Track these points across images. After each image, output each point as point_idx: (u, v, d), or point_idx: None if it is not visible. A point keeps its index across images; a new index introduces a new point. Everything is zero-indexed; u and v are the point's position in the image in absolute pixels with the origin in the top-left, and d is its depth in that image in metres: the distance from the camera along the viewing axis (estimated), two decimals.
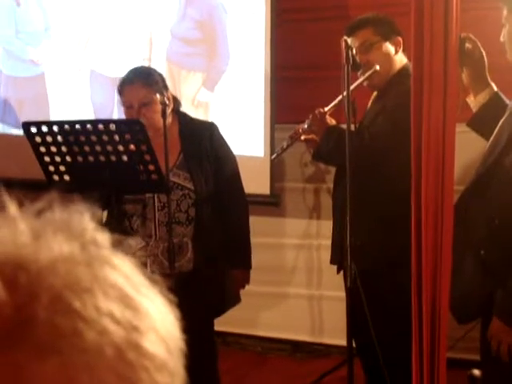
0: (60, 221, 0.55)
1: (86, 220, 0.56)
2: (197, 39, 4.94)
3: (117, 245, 0.57)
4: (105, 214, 3.49)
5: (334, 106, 3.47)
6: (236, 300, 3.57)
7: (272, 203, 4.59)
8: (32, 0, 5.38)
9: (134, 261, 0.56)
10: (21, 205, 0.55)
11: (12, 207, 0.55)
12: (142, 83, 3.37)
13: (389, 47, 3.49)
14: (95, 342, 0.50)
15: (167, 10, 4.99)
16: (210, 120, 3.98)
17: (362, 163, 3.27)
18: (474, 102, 2.91)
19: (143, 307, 0.54)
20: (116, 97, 4.04)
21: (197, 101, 4.73)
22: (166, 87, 3.45)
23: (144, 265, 2.25)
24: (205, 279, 3.41)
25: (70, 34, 5.24)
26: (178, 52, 4.95)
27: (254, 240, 3.63)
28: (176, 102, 3.52)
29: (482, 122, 2.91)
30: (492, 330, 2.65)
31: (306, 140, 3.56)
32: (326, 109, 3.47)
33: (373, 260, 3.37)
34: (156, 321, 0.55)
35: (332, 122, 3.50)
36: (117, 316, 0.52)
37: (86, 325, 0.50)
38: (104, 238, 0.56)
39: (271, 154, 4.40)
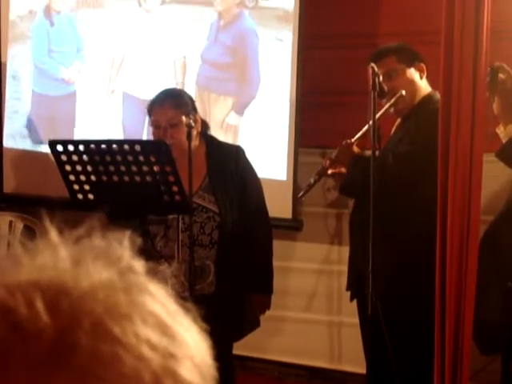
0: (98, 248, 0.56)
1: (123, 247, 0.57)
2: (227, 64, 4.97)
3: (151, 272, 0.57)
4: (128, 233, 3.49)
5: (362, 135, 3.47)
6: (255, 324, 3.56)
7: (294, 227, 4.58)
8: (65, 20, 5.44)
9: (167, 289, 0.56)
10: (61, 230, 0.56)
11: (53, 233, 0.56)
12: (171, 104, 3.40)
13: (413, 73, 3.50)
14: (134, 367, 0.50)
15: (199, 35, 5.03)
16: (237, 143, 3.99)
17: (385, 187, 3.25)
18: (503, 132, 2.91)
19: (179, 335, 0.55)
20: (147, 119, 4.08)
21: (226, 124, 4.76)
22: (195, 109, 3.48)
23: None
24: (226, 302, 3.40)
25: (102, 55, 5.28)
26: (208, 76, 4.98)
27: (275, 264, 3.62)
28: (204, 124, 3.54)
29: (510, 153, 2.89)
30: None
31: (332, 174, 3.56)
32: (354, 139, 3.48)
33: (394, 287, 3.34)
34: (191, 348, 0.55)
35: (358, 151, 3.50)
36: (154, 343, 0.52)
37: (126, 351, 0.50)
38: (140, 265, 0.57)
39: (294, 178, 4.40)
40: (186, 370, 0.53)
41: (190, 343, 0.55)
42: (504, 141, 2.91)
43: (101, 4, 5.31)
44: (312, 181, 3.61)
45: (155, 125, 3.44)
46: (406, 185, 3.32)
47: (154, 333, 0.52)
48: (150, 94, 3.69)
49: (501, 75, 2.79)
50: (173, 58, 5.03)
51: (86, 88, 5.32)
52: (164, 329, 0.53)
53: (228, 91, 4.93)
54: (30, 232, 4.79)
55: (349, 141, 3.49)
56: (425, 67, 3.50)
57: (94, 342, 0.50)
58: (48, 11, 5.45)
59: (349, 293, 3.68)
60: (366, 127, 3.41)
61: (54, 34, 5.46)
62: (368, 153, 3.30)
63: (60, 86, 5.38)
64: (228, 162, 3.47)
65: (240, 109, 4.83)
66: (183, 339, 0.55)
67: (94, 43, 5.30)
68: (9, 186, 5.21)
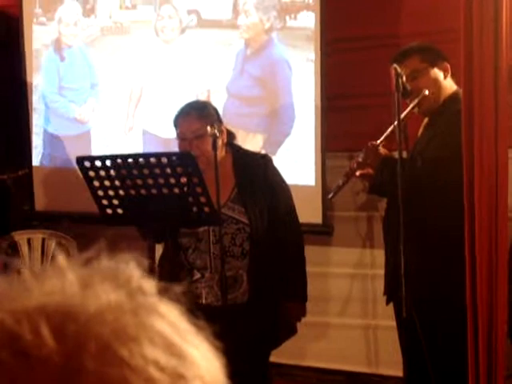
0: (107, 269, 0.56)
1: (132, 268, 0.57)
2: (256, 97, 4.64)
3: (163, 291, 0.57)
4: (160, 247, 3.52)
5: (387, 136, 3.46)
6: (292, 332, 3.56)
7: (324, 232, 4.57)
8: (78, 54, 5.12)
9: (180, 308, 0.57)
10: (69, 253, 0.56)
11: (60, 257, 0.56)
12: (196, 116, 3.42)
13: (437, 73, 3.47)
14: None
15: (223, 65, 4.70)
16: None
17: (414, 190, 3.24)
18: None
19: (189, 355, 0.54)
20: None
21: None
22: (220, 120, 3.49)
23: (199, 296, 2.25)
24: (260, 311, 3.40)
25: (119, 91, 4.98)
26: (235, 111, 4.64)
27: (308, 269, 3.61)
28: (230, 135, 3.55)
29: None
30: None
31: (361, 175, 3.54)
32: (379, 141, 3.46)
33: (428, 290, 3.32)
34: (201, 368, 0.55)
35: (385, 152, 3.49)
36: (162, 364, 0.52)
37: (133, 373, 0.50)
38: (150, 285, 0.57)
39: (323, 183, 4.39)
40: None
41: (200, 362, 0.55)
42: None
43: (125, 31, 5.00)
44: (341, 182, 3.60)
45: (181, 137, 3.46)
46: (436, 189, 3.30)
47: (162, 354, 0.52)
48: (172, 132, 3.57)
49: None
50: (195, 91, 4.72)
51: (101, 126, 5.02)
52: (172, 349, 0.53)
53: (257, 128, 4.61)
54: (63, 249, 4.84)
55: (374, 142, 3.48)
56: (449, 66, 3.48)
57: (101, 365, 0.50)
58: (58, 45, 5.14)
59: (383, 296, 3.66)
60: (390, 128, 3.39)
61: (65, 69, 5.13)
62: (396, 154, 3.29)
63: (73, 125, 5.09)
64: (256, 172, 3.47)
65: (272, 148, 4.53)
66: (193, 359, 0.54)
67: (109, 78, 5.01)
68: (40, 204, 5.25)
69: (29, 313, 0.51)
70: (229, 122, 4.00)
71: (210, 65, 4.74)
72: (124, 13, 5.01)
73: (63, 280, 0.54)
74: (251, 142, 4.49)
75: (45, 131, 5.20)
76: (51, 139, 5.19)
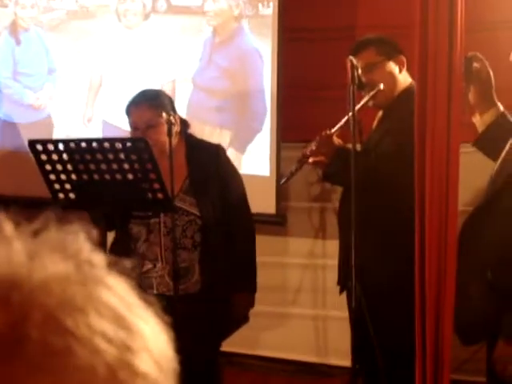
0: (56, 241, 0.56)
1: (81, 240, 0.57)
2: (224, 90, 4.39)
3: (112, 265, 0.57)
4: (111, 235, 3.49)
5: (341, 126, 3.47)
6: (242, 321, 3.56)
7: (277, 222, 4.58)
8: (34, 38, 4.90)
9: (129, 282, 0.56)
10: (17, 224, 0.55)
11: (8, 227, 0.55)
12: (148, 105, 3.38)
13: (392, 66, 3.50)
14: (87, 360, 0.50)
15: (190, 55, 4.44)
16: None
17: (367, 184, 3.27)
18: (479, 121, 2.92)
19: (136, 327, 0.54)
20: None
21: None
22: (174, 110, 3.45)
23: (151, 286, 2.24)
24: (211, 301, 3.40)
25: (78, 78, 4.74)
26: (201, 104, 4.40)
27: (259, 259, 3.62)
28: (184, 124, 3.52)
29: (488, 142, 2.91)
30: (498, 353, 2.63)
31: (314, 162, 3.56)
32: (333, 130, 3.47)
33: (377, 281, 3.36)
34: (149, 341, 0.55)
35: (339, 142, 3.51)
36: (109, 335, 0.52)
37: (79, 344, 0.50)
38: (99, 258, 0.57)
39: (277, 173, 4.40)
40: (142, 363, 0.53)
41: (148, 336, 0.55)
42: (480, 130, 2.92)
43: (86, 15, 4.74)
44: (294, 168, 3.61)
45: (133, 126, 3.41)
46: (388, 183, 3.34)
47: (109, 325, 0.52)
48: None
49: (475, 64, 2.81)
50: (160, 81, 4.48)
51: (59, 114, 4.80)
52: (120, 321, 0.53)
53: (225, 123, 4.39)
54: None
55: (328, 131, 3.49)
56: (405, 60, 3.51)
57: (45, 335, 0.49)
58: (14, 28, 4.90)
59: (335, 286, 3.68)
60: (345, 118, 3.41)
61: (21, 54, 4.89)
62: (350, 146, 3.31)
63: (28, 112, 4.87)
64: (208, 163, 3.45)
65: (240, 145, 4.35)
66: (140, 332, 0.54)
67: (68, 64, 4.77)
68: None
69: None
70: (194, 116, 3.92)
71: (176, 53, 4.53)
72: None
73: (9, 249, 0.54)
74: (218, 138, 4.29)
75: None
76: (4, 126, 5.00)
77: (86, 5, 4.81)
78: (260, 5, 4.37)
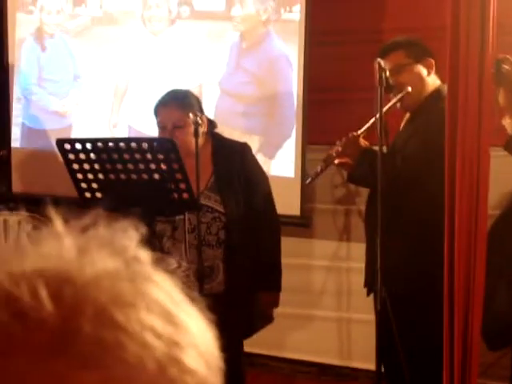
0: (104, 237, 0.56)
1: (128, 237, 0.57)
2: (252, 95, 4.34)
3: (157, 263, 0.57)
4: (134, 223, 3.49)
5: (367, 128, 3.46)
6: (266, 321, 3.56)
7: (302, 224, 4.56)
8: (60, 45, 4.87)
9: (174, 279, 0.56)
10: (66, 221, 0.56)
11: (58, 223, 0.56)
12: (176, 105, 3.39)
13: (421, 69, 3.48)
14: (137, 355, 0.50)
15: (217, 59, 4.39)
16: None
17: (394, 186, 3.26)
18: (509, 124, 2.90)
19: (184, 323, 0.55)
20: None
21: None
22: (201, 111, 3.46)
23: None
24: (236, 301, 3.40)
25: (103, 84, 4.72)
26: (228, 109, 4.35)
27: (283, 261, 3.62)
28: (211, 124, 3.53)
29: None
30: None
31: (339, 163, 3.55)
32: (359, 132, 3.46)
33: (403, 284, 3.34)
34: (196, 337, 0.55)
35: (365, 144, 3.49)
36: (159, 331, 0.52)
37: (129, 338, 0.51)
38: (145, 255, 0.57)
39: (302, 175, 4.38)
40: (190, 359, 0.53)
41: (195, 332, 0.55)
42: (510, 133, 2.90)
43: (110, 21, 4.73)
44: (319, 168, 3.61)
45: (161, 126, 3.44)
46: (415, 186, 3.32)
47: (158, 321, 0.52)
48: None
49: (505, 67, 2.79)
50: (186, 86, 4.20)
51: (83, 121, 4.76)
52: (169, 317, 0.53)
53: (254, 128, 4.33)
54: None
55: (355, 133, 3.48)
56: (433, 62, 3.49)
57: (97, 329, 0.50)
58: (39, 34, 4.88)
59: (359, 289, 3.67)
60: (372, 120, 3.40)
61: (46, 60, 4.86)
62: (376, 148, 3.30)
63: (53, 119, 4.84)
64: (234, 161, 3.46)
65: (269, 151, 4.30)
66: (188, 328, 0.55)
67: (93, 70, 4.74)
68: (17, 186, 5.21)
69: (27, 275, 0.51)
70: (222, 121, 3.86)
71: (202, 59, 4.51)
72: (114, 2, 4.81)
73: (60, 245, 0.54)
74: None
75: (23, 125, 5.00)
76: (29, 132, 4.99)
77: (110, 11, 4.81)
78: (285, 9, 4.35)
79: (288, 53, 4.33)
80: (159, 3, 4.64)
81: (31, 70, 4.93)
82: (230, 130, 3.77)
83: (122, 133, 4.72)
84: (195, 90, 4.30)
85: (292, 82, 4.34)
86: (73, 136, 4.79)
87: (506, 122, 2.91)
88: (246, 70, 4.38)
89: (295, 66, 4.37)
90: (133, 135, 4.66)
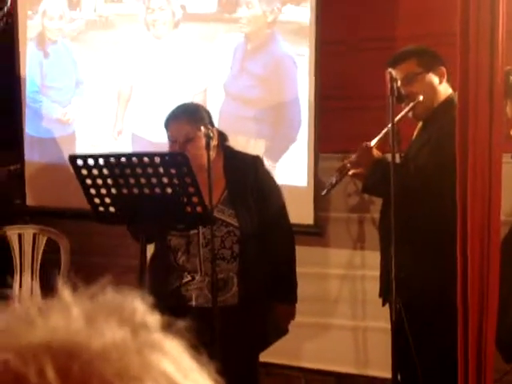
0: (112, 303, 0.56)
1: (136, 302, 0.57)
2: (258, 99, 4.28)
3: (167, 327, 0.57)
4: (151, 247, 3.51)
5: (380, 138, 3.46)
6: (281, 334, 3.56)
7: (316, 233, 4.56)
8: (62, 51, 4.77)
9: (183, 343, 0.56)
10: (75, 287, 0.56)
11: (66, 293, 0.56)
12: (187, 119, 3.40)
13: (432, 78, 3.47)
14: None
15: (221, 62, 4.33)
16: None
17: (407, 195, 3.25)
18: None
19: None
20: None
21: None
22: (212, 124, 3.47)
23: (190, 298, 2.26)
24: (250, 313, 3.40)
25: (106, 90, 4.63)
26: (234, 114, 4.29)
27: (298, 270, 3.62)
28: (222, 137, 3.54)
29: None
30: None
31: (354, 174, 3.55)
32: (373, 143, 3.46)
33: (418, 294, 3.33)
34: None
35: (378, 154, 3.49)
36: None
37: None
38: (154, 320, 0.57)
39: (315, 184, 4.38)
40: None
41: None
42: None
43: (111, 25, 4.64)
44: (334, 180, 3.61)
45: (172, 140, 3.44)
46: (428, 195, 3.31)
47: None
48: (164, 137, 3.43)
49: None
50: (191, 91, 4.39)
51: (87, 128, 4.69)
52: None
53: (260, 133, 4.28)
54: (54, 245, 4.82)
55: (368, 143, 3.48)
56: (445, 71, 3.48)
57: None
58: (42, 40, 4.76)
59: (374, 297, 3.66)
60: (384, 130, 3.40)
61: (49, 67, 4.77)
62: (389, 156, 3.29)
63: (55, 127, 4.77)
64: (247, 174, 3.46)
65: (275, 155, 4.27)
66: None
67: (96, 76, 4.66)
68: (32, 199, 5.23)
69: (34, 352, 0.51)
70: (227, 125, 3.83)
71: (207, 62, 4.46)
72: (109, 6, 4.72)
73: (68, 315, 0.54)
74: (253, 148, 4.23)
75: (26, 134, 4.93)
76: (32, 141, 4.92)
77: (104, 14, 4.72)
78: (295, 11, 4.29)
79: (293, 54, 4.28)
80: (162, 6, 4.57)
81: (34, 77, 4.84)
82: (235, 134, 3.73)
83: (126, 140, 4.66)
84: (201, 95, 4.35)
85: (297, 84, 4.28)
86: (77, 144, 4.78)
87: None
88: (251, 73, 4.32)
89: (305, 71, 4.34)
90: (137, 143, 4.61)
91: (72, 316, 0.54)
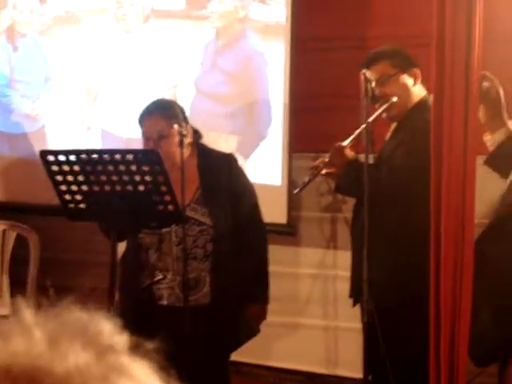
0: (77, 324, 0.53)
1: (103, 323, 0.54)
2: (229, 95, 4.28)
3: (134, 348, 0.54)
4: (122, 245, 3.48)
5: (354, 138, 3.45)
6: (253, 333, 3.54)
7: (288, 232, 4.55)
8: (32, 44, 4.71)
9: (150, 364, 0.53)
10: (39, 307, 0.53)
11: (28, 314, 0.53)
12: (161, 115, 3.37)
13: (406, 79, 3.47)
14: None
15: (192, 58, 4.31)
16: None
17: (380, 196, 3.25)
18: (490, 140, 2.91)
19: None
20: None
21: None
22: (186, 120, 3.44)
23: (161, 297, 2.23)
24: (221, 313, 3.38)
25: (75, 85, 4.59)
26: (205, 110, 4.27)
27: (270, 269, 3.60)
28: (196, 134, 3.51)
29: (498, 161, 2.90)
30: (510, 374, 2.60)
31: (326, 174, 3.54)
32: (346, 143, 3.45)
33: (389, 295, 3.32)
34: None
35: (351, 154, 3.48)
36: None
37: None
38: (121, 341, 0.54)
39: (288, 183, 4.37)
40: None
41: None
42: (491, 149, 2.90)
43: (79, 20, 4.58)
44: (307, 178, 3.59)
45: (146, 136, 3.41)
46: (401, 196, 3.31)
47: None
48: (134, 132, 3.36)
49: (485, 83, 2.80)
50: (161, 87, 4.38)
51: (56, 124, 4.64)
52: None
53: (232, 129, 4.28)
54: (23, 241, 4.76)
55: (341, 143, 3.47)
56: (419, 72, 3.48)
57: None
58: (11, 33, 4.68)
59: (346, 297, 3.66)
60: (358, 131, 3.39)
61: (18, 60, 4.70)
62: (362, 157, 3.28)
63: (24, 122, 4.70)
64: (220, 173, 3.44)
65: (246, 151, 4.27)
66: None
67: (64, 71, 4.61)
68: (1, 194, 5.15)
69: None
70: (198, 123, 3.79)
71: (177, 57, 4.43)
72: (78, 1, 4.66)
73: (29, 338, 0.52)
74: (225, 144, 4.24)
75: None
76: (0, 136, 4.84)
77: (71, 9, 4.67)
78: (267, 8, 4.28)
79: (264, 51, 4.27)
80: (132, 0, 4.53)
81: (2, 70, 4.77)
82: (206, 131, 3.70)
83: (95, 136, 4.62)
84: (170, 91, 4.33)
85: (268, 81, 4.28)
86: (46, 139, 4.72)
87: (486, 138, 2.91)
88: (222, 69, 4.30)
89: (277, 69, 4.32)
90: (106, 138, 4.58)
91: (34, 338, 0.51)
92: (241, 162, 3.90)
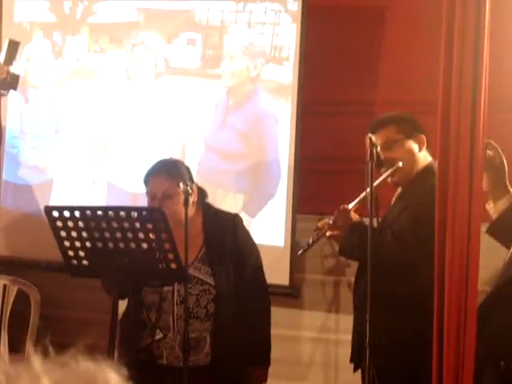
0: (84, 374, 0.53)
1: (109, 373, 0.53)
2: (238, 153, 4.32)
3: None
4: (122, 304, 3.46)
5: (358, 202, 3.46)
6: None
7: (291, 294, 4.52)
8: (43, 98, 4.77)
9: None
10: (46, 355, 0.52)
11: (37, 361, 0.52)
12: (166, 175, 3.39)
13: (412, 145, 3.49)
14: None
15: (201, 116, 4.34)
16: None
17: (383, 262, 3.23)
18: (493, 208, 2.91)
19: None
20: None
21: None
22: (191, 180, 3.45)
23: (161, 356, 2.20)
24: (221, 374, 3.35)
25: (84, 138, 4.64)
26: (213, 167, 4.30)
27: (272, 331, 3.56)
28: (202, 193, 3.52)
29: (501, 230, 2.89)
30: None
31: (330, 236, 3.54)
32: (351, 206, 3.46)
33: (392, 361, 3.29)
34: None
35: (356, 217, 3.49)
36: None
37: None
38: None
39: (292, 245, 4.36)
40: None
41: None
42: (494, 217, 2.90)
43: (93, 74, 4.65)
44: (311, 240, 3.60)
45: (151, 195, 3.42)
46: (405, 262, 3.30)
47: None
48: (139, 187, 3.41)
49: (489, 152, 2.82)
50: (169, 143, 4.41)
51: (63, 176, 4.68)
52: None
53: (239, 187, 4.30)
54: (24, 297, 4.74)
55: (346, 206, 3.48)
56: (425, 138, 3.50)
57: None
58: (23, 85, 4.63)
59: (346, 362, 3.62)
60: (363, 194, 3.40)
61: (29, 113, 4.75)
62: (367, 221, 3.28)
63: (32, 174, 4.74)
64: (225, 233, 3.44)
65: (253, 210, 4.28)
66: None
67: (74, 124, 4.66)
68: (3, 249, 5.13)
69: None
70: (206, 179, 3.84)
71: (186, 114, 4.47)
72: (92, 56, 4.75)
73: None
74: (231, 202, 4.27)
75: (4, 180, 4.87)
76: (7, 188, 4.86)
77: (87, 64, 4.73)
78: (278, 69, 4.33)
79: (275, 112, 4.30)
80: (145, 57, 4.60)
81: (14, 122, 4.80)
82: (213, 188, 3.72)
83: (101, 189, 4.64)
84: (179, 147, 4.34)
85: (278, 141, 4.32)
86: (52, 192, 4.74)
87: (489, 206, 2.92)
88: (233, 128, 4.33)
89: (286, 131, 4.36)
90: (112, 191, 4.60)
91: None
92: (246, 220, 3.91)
